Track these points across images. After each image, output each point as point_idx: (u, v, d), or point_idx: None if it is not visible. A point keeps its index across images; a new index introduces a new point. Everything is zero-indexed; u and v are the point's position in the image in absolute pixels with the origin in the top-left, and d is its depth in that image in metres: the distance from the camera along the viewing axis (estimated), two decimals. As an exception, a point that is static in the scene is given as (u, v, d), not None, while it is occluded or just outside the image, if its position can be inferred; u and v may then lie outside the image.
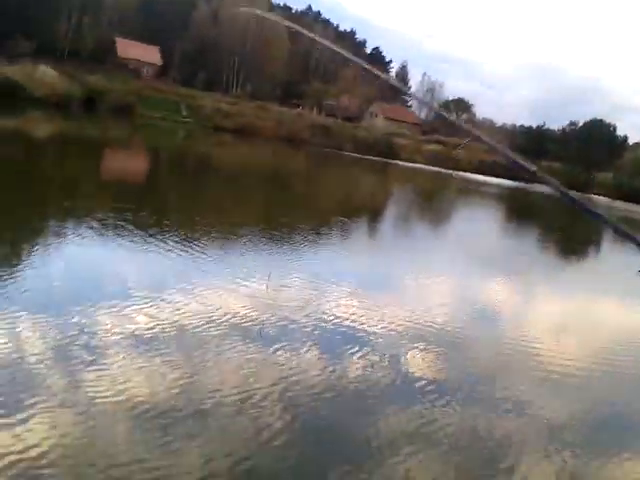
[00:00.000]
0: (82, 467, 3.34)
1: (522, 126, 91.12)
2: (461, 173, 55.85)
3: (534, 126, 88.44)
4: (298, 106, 68.08)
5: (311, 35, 3.45)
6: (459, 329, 7.53)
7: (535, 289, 11.57)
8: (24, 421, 3.65)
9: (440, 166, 58.52)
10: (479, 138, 1.79)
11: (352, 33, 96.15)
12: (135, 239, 8.99)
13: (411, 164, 56.64)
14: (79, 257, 7.80)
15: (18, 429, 3.56)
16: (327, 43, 3.28)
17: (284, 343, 5.76)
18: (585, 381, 6.66)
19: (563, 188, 1.62)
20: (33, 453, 3.37)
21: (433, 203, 30.27)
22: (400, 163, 55.60)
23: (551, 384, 6.28)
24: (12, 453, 3.34)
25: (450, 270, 11.77)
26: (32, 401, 3.88)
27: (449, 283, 10.64)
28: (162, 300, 6.32)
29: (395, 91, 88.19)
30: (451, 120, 1.80)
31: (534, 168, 1.67)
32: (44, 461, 3.32)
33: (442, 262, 12.75)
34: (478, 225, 23.01)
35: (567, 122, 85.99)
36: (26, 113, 32.75)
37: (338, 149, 53.59)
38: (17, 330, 4.91)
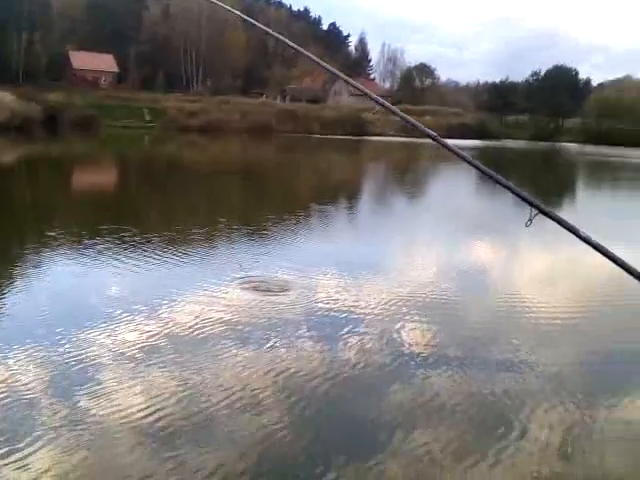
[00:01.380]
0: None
1: (486, 83, 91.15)
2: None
3: (497, 81, 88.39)
4: (261, 95, 67.47)
5: (260, 26, 3.43)
6: (449, 297, 7.60)
7: (515, 245, 11.66)
8: (28, 452, 3.63)
9: (411, 136, 58.40)
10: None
11: (306, 12, 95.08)
12: (114, 255, 8.90)
13: (383, 137, 56.51)
14: (60, 281, 7.70)
15: (22, 460, 3.54)
16: (277, 35, 3.25)
17: (277, 338, 5.76)
18: (574, 328, 6.78)
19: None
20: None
21: (407, 174, 30.32)
22: (371, 138, 55.46)
23: (546, 335, 6.37)
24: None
25: (433, 240, 11.86)
26: (33, 430, 3.86)
27: (433, 253, 10.71)
28: (148, 314, 6.28)
29: (357, 65, 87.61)
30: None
31: (434, 134, 1.82)
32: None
33: (424, 233, 12.82)
34: (454, 189, 23.11)
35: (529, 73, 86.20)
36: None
37: (307, 133, 53.31)
38: (7, 361, 4.86)
